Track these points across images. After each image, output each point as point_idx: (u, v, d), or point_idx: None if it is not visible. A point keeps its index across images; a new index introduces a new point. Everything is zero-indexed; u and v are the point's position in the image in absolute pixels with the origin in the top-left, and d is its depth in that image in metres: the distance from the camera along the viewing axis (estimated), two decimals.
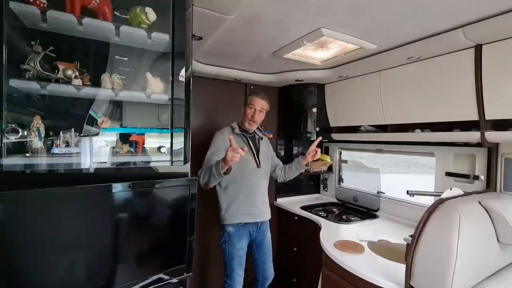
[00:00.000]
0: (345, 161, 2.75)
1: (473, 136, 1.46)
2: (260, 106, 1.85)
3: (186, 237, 1.17)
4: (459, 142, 1.69)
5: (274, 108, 2.74)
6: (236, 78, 2.34)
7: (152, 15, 1.06)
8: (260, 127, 2.57)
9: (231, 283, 1.80)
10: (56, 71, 0.98)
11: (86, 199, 0.96)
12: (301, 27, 1.41)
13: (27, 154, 0.92)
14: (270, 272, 1.95)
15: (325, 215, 2.25)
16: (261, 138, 1.99)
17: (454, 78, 1.50)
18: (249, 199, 1.81)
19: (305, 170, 2.60)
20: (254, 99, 1.86)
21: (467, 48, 1.41)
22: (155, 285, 1.09)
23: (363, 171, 2.70)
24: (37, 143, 0.94)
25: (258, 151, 1.92)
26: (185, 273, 1.17)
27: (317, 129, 2.52)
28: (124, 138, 1.13)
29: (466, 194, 1.29)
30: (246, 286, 1.91)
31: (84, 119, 1.06)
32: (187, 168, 1.19)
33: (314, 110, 2.51)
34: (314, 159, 1.88)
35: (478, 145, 1.53)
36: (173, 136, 1.12)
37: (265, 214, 1.90)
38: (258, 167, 1.87)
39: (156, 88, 1.13)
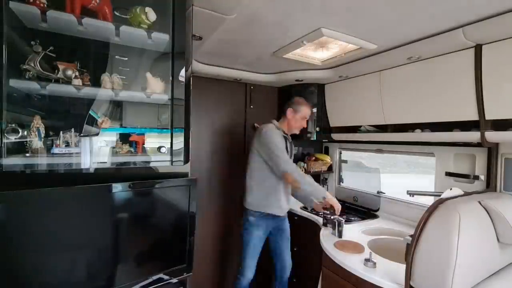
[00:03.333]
0: (345, 161, 2.75)
1: (473, 136, 1.46)
2: (308, 116, 1.99)
3: (186, 237, 1.17)
4: (459, 142, 1.69)
5: (274, 108, 2.74)
6: (236, 78, 2.34)
7: (152, 15, 1.06)
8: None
9: None
10: (56, 71, 0.98)
11: (86, 199, 0.96)
12: (301, 27, 1.41)
13: (27, 154, 0.92)
14: None
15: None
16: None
17: (454, 78, 1.50)
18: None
19: (305, 170, 2.62)
20: (308, 112, 1.97)
21: (467, 48, 1.41)
22: (155, 285, 1.09)
23: (363, 171, 2.70)
24: (37, 143, 0.94)
25: (291, 151, 2.04)
26: (185, 273, 1.17)
27: (317, 129, 2.52)
28: (124, 138, 1.13)
29: (466, 194, 1.29)
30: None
31: (84, 119, 1.06)
32: (187, 168, 1.19)
33: (314, 110, 2.51)
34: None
35: (478, 145, 1.53)
36: (173, 136, 1.12)
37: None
38: None
39: (156, 88, 1.13)
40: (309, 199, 2.12)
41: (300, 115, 1.94)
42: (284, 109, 1.98)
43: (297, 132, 2.01)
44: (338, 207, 1.80)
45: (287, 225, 2.11)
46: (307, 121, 2.06)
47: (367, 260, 1.37)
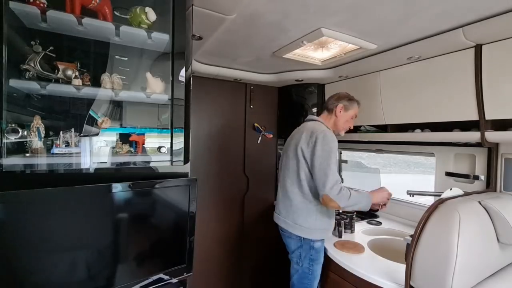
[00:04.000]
0: (345, 161, 2.75)
1: (473, 136, 1.46)
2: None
3: (186, 237, 1.17)
4: (459, 142, 1.69)
5: (274, 108, 2.74)
6: (236, 78, 2.34)
7: (152, 15, 1.06)
8: (261, 127, 2.59)
9: None
10: (56, 71, 0.98)
11: (86, 199, 0.96)
12: (301, 27, 1.41)
13: (27, 154, 0.92)
14: None
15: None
16: None
17: (454, 78, 1.50)
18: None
19: None
20: (355, 109, 1.66)
21: (467, 48, 1.41)
22: (155, 285, 1.09)
23: (363, 171, 2.70)
24: (37, 143, 0.94)
25: None
26: (185, 273, 1.17)
27: None
28: (124, 138, 1.13)
29: (466, 194, 1.29)
30: None
31: (84, 119, 1.06)
32: (187, 168, 1.19)
33: (314, 110, 2.50)
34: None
35: (478, 145, 1.53)
36: (173, 136, 1.12)
37: None
38: None
39: (156, 88, 1.13)
40: None
41: (351, 113, 1.64)
42: (328, 105, 1.67)
43: (342, 134, 1.70)
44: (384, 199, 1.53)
45: None
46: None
47: (367, 260, 1.35)
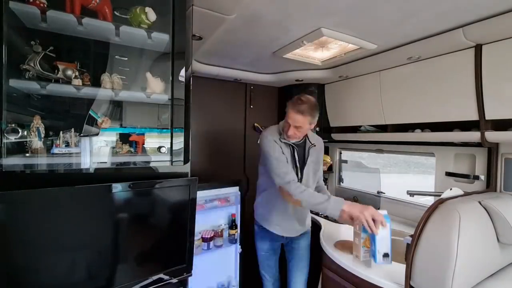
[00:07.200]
0: (345, 161, 2.75)
1: (473, 136, 1.46)
2: (295, 123, 1.48)
3: (186, 237, 1.17)
4: (459, 142, 1.69)
5: (274, 108, 2.74)
6: (236, 78, 2.34)
7: (152, 15, 1.06)
8: (261, 127, 2.58)
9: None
10: (56, 71, 0.98)
11: (86, 199, 0.96)
12: (301, 27, 1.41)
13: (27, 154, 0.92)
14: None
15: (325, 215, 2.24)
16: (314, 145, 1.67)
17: (454, 78, 1.50)
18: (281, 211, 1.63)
19: None
20: (289, 113, 1.48)
21: (467, 48, 1.41)
22: (155, 285, 1.09)
23: (363, 171, 2.70)
24: (37, 143, 0.94)
25: (304, 163, 1.61)
26: (185, 273, 1.17)
27: (317, 129, 2.52)
28: (124, 138, 1.13)
29: (466, 194, 1.29)
30: None
31: (84, 119, 1.06)
32: (187, 168, 1.19)
33: None
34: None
35: (478, 145, 1.53)
36: (173, 136, 1.12)
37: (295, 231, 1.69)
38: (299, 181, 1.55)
39: (156, 88, 1.13)
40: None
41: (286, 118, 1.53)
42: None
43: (290, 138, 1.56)
44: (363, 218, 1.24)
45: (302, 243, 1.71)
46: (294, 129, 1.50)
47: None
